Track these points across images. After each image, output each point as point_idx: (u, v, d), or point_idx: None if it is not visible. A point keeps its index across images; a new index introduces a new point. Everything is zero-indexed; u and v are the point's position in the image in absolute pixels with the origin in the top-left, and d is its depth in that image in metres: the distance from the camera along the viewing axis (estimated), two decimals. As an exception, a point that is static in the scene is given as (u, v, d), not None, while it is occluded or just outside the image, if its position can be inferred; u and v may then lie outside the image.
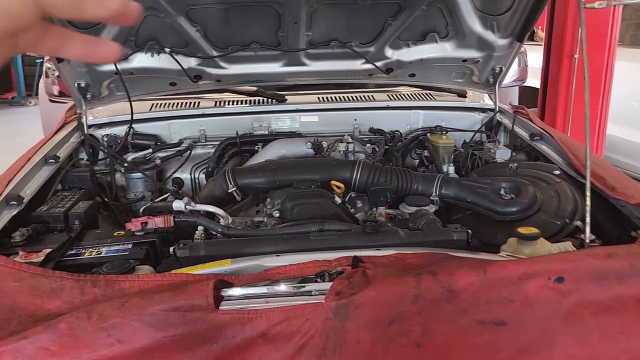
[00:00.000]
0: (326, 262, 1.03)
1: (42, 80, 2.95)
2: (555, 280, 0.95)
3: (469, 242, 1.16)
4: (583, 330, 0.94)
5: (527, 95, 4.19)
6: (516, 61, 2.62)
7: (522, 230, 1.17)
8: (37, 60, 10.43)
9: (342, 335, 0.90)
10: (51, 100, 2.85)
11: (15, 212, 1.30)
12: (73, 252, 1.21)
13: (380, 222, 1.17)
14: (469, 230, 1.17)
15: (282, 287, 0.98)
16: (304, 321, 0.90)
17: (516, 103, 4.02)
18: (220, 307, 0.92)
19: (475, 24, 1.81)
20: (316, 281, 1.01)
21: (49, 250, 1.19)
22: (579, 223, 1.32)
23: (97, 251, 1.21)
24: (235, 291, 0.96)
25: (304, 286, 0.97)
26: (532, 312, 0.94)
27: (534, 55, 3.52)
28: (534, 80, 3.64)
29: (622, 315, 0.96)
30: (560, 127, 3.22)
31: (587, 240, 1.14)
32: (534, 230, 1.17)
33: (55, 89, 2.74)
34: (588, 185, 1.14)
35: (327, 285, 0.95)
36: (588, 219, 1.13)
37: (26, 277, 1.01)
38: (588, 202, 1.13)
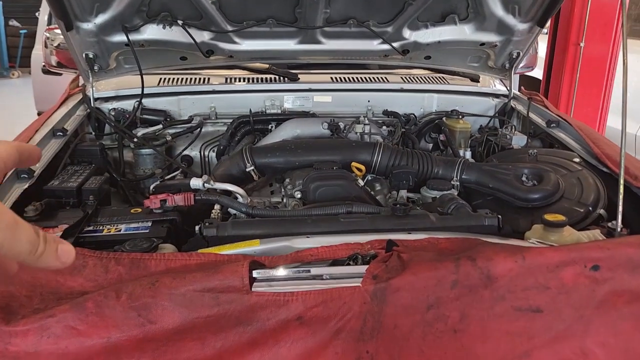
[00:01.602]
0: (358, 244, 1.01)
1: (38, 52, 2.85)
2: (591, 268, 0.95)
3: (500, 228, 1.15)
4: (617, 318, 0.94)
5: (528, 85, 4.19)
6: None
7: (548, 217, 1.16)
8: (21, 31, 10.12)
9: (380, 319, 0.89)
10: (48, 72, 2.75)
11: (26, 185, 1.25)
12: (91, 228, 1.17)
13: (410, 205, 1.14)
14: (500, 216, 1.16)
15: (317, 270, 0.95)
16: (341, 304, 0.88)
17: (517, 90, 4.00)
18: (255, 289, 0.89)
19: (496, 7, 1.78)
20: (349, 264, 0.99)
21: (65, 226, 1.15)
22: (602, 211, 1.32)
23: (116, 228, 1.17)
24: (270, 272, 0.93)
25: (339, 269, 0.95)
26: (568, 299, 0.93)
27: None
28: (536, 70, 3.64)
29: None
30: (562, 116, 3.23)
31: (619, 229, 1.13)
32: (560, 217, 1.16)
33: (54, 60, 2.65)
34: (622, 173, 1.13)
35: (362, 269, 0.93)
36: (620, 207, 1.12)
37: None
38: (621, 189, 1.12)
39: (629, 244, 1.00)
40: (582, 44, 3.09)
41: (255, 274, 0.92)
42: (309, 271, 0.95)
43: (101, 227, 1.17)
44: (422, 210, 1.20)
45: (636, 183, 1.31)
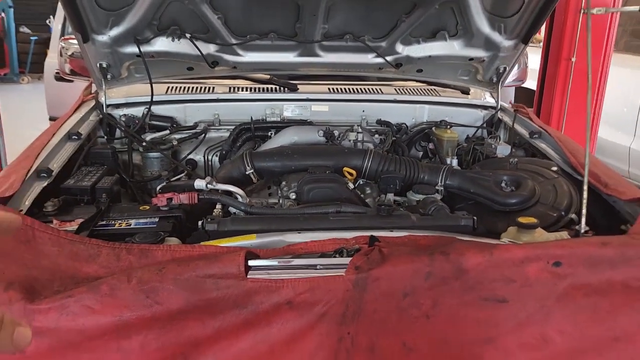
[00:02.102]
0: (344, 240, 1.12)
1: (50, 59, 2.99)
2: (553, 264, 1.04)
3: (474, 228, 1.26)
4: (575, 309, 1.04)
5: (523, 96, 4.31)
6: (519, 61, 2.73)
7: (522, 219, 1.27)
8: (32, 38, 10.32)
9: (360, 305, 0.99)
10: (61, 79, 2.90)
11: (45, 183, 1.36)
12: (104, 222, 1.28)
13: (393, 206, 1.26)
14: (475, 218, 1.27)
15: (305, 261, 1.07)
16: (326, 291, 0.98)
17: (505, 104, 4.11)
18: (250, 276, 1.00)
19: (483, 25, 1.90)
20: (335, 256, 1.10)
21: (81, 220, 1.26)
22: (573, 216, 1.42)
23: (127, 223, 1.28)
24: (263, 262, 1.04)
25: (326, 260, 1.06)
26: (531, 291, 1.02)
27: (531, 57, 3.63)
28: (530, 82, 3.76)
29: (611, 298, 1.05)
30: (554, 127, 3.34)
31: (582, 231, 1.24)
32: (533, 220, 1.27)
33: (67, 67, 2.79)
34: (586, 179, 1.24)
35: (346, 261, 1.03)
36: (584, 211, 1.23)
37: (65, 243, 1.08)
38: (585, 195, 1.23)
39: (589, 243, 1.10)
40: (573, 59, 3.20)
41: (250, 263, 1.03)
42: (299, 262, 1.06)
43: (113, 222, 1.29)
44: (404, 211, 1.31)
45: (606, 190, 1.41)
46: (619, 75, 4.16)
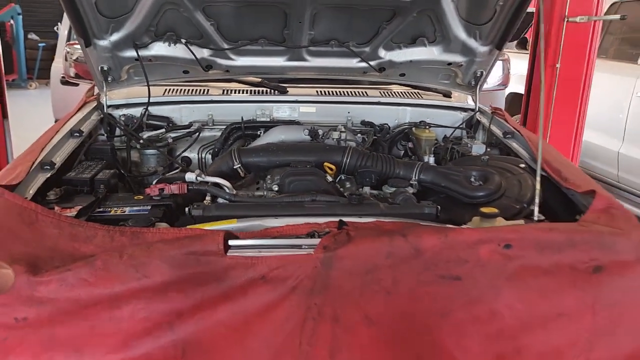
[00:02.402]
0: (316, 224, 1.23)
1: (57, 64, 3.13)
2: (504, 246, 1.13)
3: (437, 216, 1.38)
4: (523, 288, 1.13)
5: (517, 100, 4.41)
6: (501, 67, 2.86)
7: (484, 209, 1.39)
8: (40, 44, 10.53)
9: (327, 280, 1.09)
10: (66, 82, 3.05)
11: (49, 175, 1.49)
12: (101, 209, 1.41)
13: (363, 195, 1.38)
14: (438, 207, 1.39)
15: (280, 241, 1.18)
16: (297, 268, 1.09)
17: (502, 107, 4.22)
18: (229, 254, 1.11)
19: (460, 32, 2.03)
20: (307, 239, 1.22)
21: (80, 207, 1.39)
22: (535, 207, 1.53)
23: (122, 210, 1.41)
24: (241, 242, 1.15)
25: (298, 241, 1.18)
26: (483, 271, 1.12)
27: (523, 64, 3.75)
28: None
29: (557, 279, 1.14)
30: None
31: (536, 219, 1.35)
32: (494, 210, 1.39)
33: (72, 71, 2.94)
34: (539, 171, 1.35)
35: (316, 242, 1.14)
36: (537, 200, 1.34)
37: (65, 226, 1.20)
38: (538, 186, 1.35)
39: (538, 228, 1.21)
40: (558, 65, 3.31)
41: (230, 242, 1.14)
42: (273, 242, 1.18)
43: (109, 209, 1.41)
44: (374, 200, 1.43)
45: (565, 184, 1.52)
46: (611, 82, 4.28)
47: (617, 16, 3.35)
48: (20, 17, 10.01)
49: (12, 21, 9.83)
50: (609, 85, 4.28)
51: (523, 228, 1.22)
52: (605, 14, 4.39)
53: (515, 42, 5.31)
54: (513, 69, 3.41)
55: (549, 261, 1.15)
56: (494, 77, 2.82)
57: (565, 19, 3.17)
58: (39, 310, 1.03)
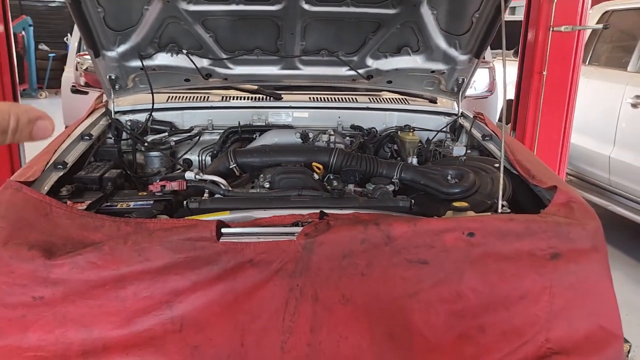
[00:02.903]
0: (300, 215, 1.37)
1: (67, 73, 3.32)
2: (468, 234, 1.26)
3: (411, 209, 1.52)
4: (486, 272, 1.25)
5: (509, 104, 4.54)
6: (488, 75, 3.01)
7: (456, 204, 1.53)
8: (50, 55, 10.79)
9: (308, 264, 1.22)
10: (77, 91, 3.23)
11: (61, 173, 1.64)
12: (108, 204, 1.56)
13: (343, 190, 1.52)
14: (412, 200, 1.53)
15: (266, 229, 1.33)
16: (281, 252, 1.22)
17: (496, 114, 4.35)
18: (221, 240, 1.25)
19: (440, 42, 2.18)
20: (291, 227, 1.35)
21: (89, 201, 1.54)
22: (505, 202, 1.67)
23: (127, 204, 1.56)
24: (232, 230, 1.29)
25: (283, 229, 1.32)
26: (448, 256, 1.24)
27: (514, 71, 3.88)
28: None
29: (517, 264, 1.27)
30: (529, 136, 3.57)
31: (500, 210, 1.49)
32: (464, 204, 1.53)
33: (82, 80, 3.12)
34: (502, 167, 1.49)
35: (299, 230, 1.28)
36: (500, 193, 1.48)
37: (76, 217, 1.35)
38: (501, 181, 1.48)
39: (499, 218, 1.35)
40: (544, 72, 3.45)
41: (222, 230, 1.29)
42: (261, 230, 1.32)
43: (116, 204, 1.56)
44: (353, 195, 1.57)
45: (532, 181, 1.65)
46: (603, 88, 4.41)
47: (600, 26, 3.48)
48: (32, 28, 10.26)
49: (23, 32, 10.09)
50: (602, 91, 4.40)
51: (485, 218, 1.36)
52: (597, 22, 4.53)
53: (512, 50, 5.44)
54: (510, 76, 3.56)
55: (509, 248, 1.27)
56: (481, 84, 2.97)
57: (551, 29, 3.30)
58: (54, 290, 1.16)
